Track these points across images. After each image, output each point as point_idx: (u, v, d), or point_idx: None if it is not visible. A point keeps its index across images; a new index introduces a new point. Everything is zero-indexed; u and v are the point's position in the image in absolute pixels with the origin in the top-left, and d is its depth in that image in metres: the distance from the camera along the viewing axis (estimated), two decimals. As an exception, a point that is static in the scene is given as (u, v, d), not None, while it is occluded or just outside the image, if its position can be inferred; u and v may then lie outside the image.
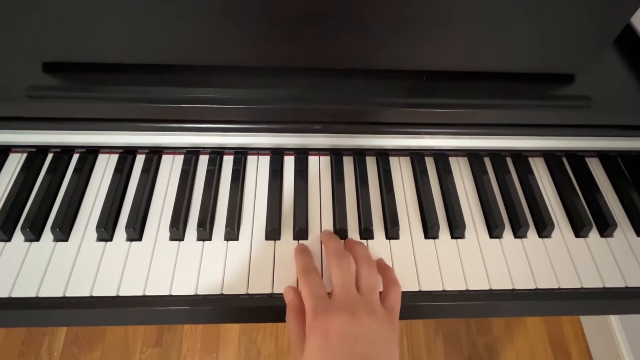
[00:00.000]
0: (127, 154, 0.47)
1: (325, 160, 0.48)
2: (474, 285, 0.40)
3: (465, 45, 0.41)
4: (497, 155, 0.49)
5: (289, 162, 0.47)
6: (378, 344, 0.30)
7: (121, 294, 0.38)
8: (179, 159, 0.47)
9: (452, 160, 0.48)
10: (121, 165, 0.46)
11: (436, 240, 0.43)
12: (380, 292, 0.36)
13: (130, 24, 0.38)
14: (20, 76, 0.42)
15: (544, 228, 0.43)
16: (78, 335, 1.00)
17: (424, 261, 0.41)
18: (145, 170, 0.45)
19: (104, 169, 0.46)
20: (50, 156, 0.46)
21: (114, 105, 0.42)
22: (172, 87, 0.42)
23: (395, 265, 0.41)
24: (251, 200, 0.44)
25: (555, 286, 0.40)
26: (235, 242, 0.41)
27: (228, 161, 0.47)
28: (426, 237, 0.43)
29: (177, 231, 0.41)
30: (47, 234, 0.41)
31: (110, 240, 0.41)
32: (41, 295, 0.37)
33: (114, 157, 0.46)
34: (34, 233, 0.40)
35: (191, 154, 0.47)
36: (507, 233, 0.44)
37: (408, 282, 0.39)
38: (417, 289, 0.39)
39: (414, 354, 1.00)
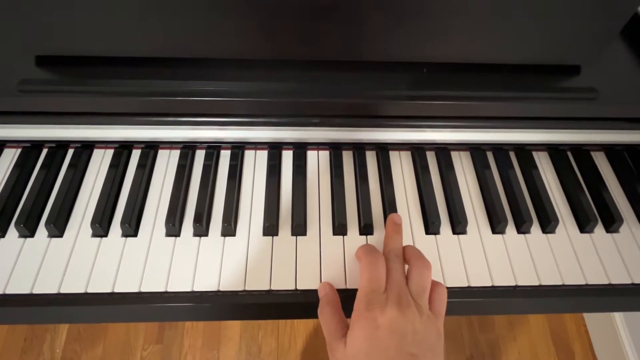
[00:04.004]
0: (122, 149, 0.46)
1: (324, 155, 0.47)
2: (476, 282, 0.39)
3: (467, 37, 0.40)
4: (500, 150, 0.48)
5: (287, 156, 0.46)
6: (424, 346, 0.30)
7: (117, 290, 0.37)
8: (175, 153, 0.46)
9: (454, 155, 0.47)
10: (117, 161, 0.45)
11: (437, 236, 0.42)
12: None
13: (125, 16, 0.37)
14: (13, 70, 0.41)
15: (548, 223, 0.42)
16: (80, 332, 1.00)
17: (424, 257, 0.40)
18: (141, 165, 0.45)
19: (100, 164, 0.45)
20: (44, 151, 0.46)
21: (108, 99, 0.41)
22: (168, 80, 0.42)
23: (396, 261, 0.40)
24: (249, 196, 0.43)
25: (560, 283, 0.39)
26: (233, 238, 0.41)
27: (225, 156, 0.46)
28: (427, 232, 0.42)
29: (173, 227, 0.40)
30: (42, 230, 0.40)
31: (106, 236, 0.40)
32: (35, 291, 0.37)
33: (110, 152, 0.46)
34: (28, 229, 0.40)
35: (188, 149, 0.46)
36: (510, 229, 0.43)
37: (408, 279, 0.38)
38: (417, 286, 0.38)
39: (415, 351, 1.00)
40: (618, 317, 0.94)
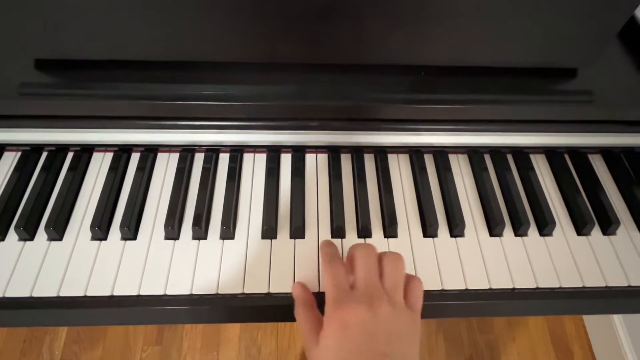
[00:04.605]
0: (122, 152, 0.46)
1: (323, 157, 0.47)
2: (473, 285, 0.39)
3: (465, 40, 0.40)
4: (497, 152, 0.48)
5: (285, 159, 0.47)
6: (397, 341, 0.30)
7: (116, 293, 0.37)
8: (175, 157, 0.46)
9: (452, 158, 0.48)
10: (116, 164, 0.45)
11: (435, 238, 0.42)
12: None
13: (124, 20, 0.38)
14: (13, 73, 0.41)
15: (545, 226, 0.42)
16: (79, 334, 1.00)
17: (422, 260, 0.40)
18: (140, 168, 0.45)
19: (99, 167, 0.45)
20: (44, 155, 0.46)
21: (108, 102, 0.41)
22: (168, 84, 0.42)
23: (394, 264, 0.40)
24: (247, 199, 0.44)
25: (557, 285, 0.40)
26: (231, 241, 0.41)
27: (224, 159, 0.46)
28: (425, 235, 0.42)
29: (172, 230, 0.40)
30: (41, 233, 0.40)
31: (105, 239, 0.41)
32: (35, 295, 0.37)
33: (109, 156, 0.46)
34: (28, 232, 0.40)
35: (187, 152, 0.46)
36: (508, 231, 0.43)
37: (406, 282, 0.39)
38: (415, 288, 0.39)
39: (414, 353, 1.00)
40: (617, 317, 0.94)
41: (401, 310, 0.31)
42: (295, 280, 0.38)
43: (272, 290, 0.38)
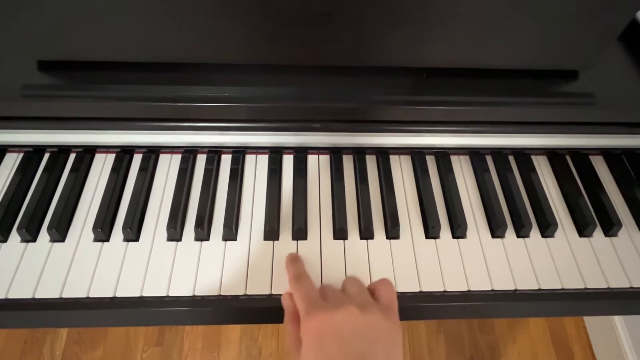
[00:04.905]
0: (124, 154, 0.46)
1: (325, 159, 0.47)
2: (475, 286, 0.39)
3: (466, 42, 0.40)
4: (499, 154, 0.48)
5: (287, 161, 0.47)
6: (375, 339, 0.30)
7: (118, 295, 0.37)
8: (177, 158, 0.46)
9: (454, 159, 0.48)
10: (118, 165, 0.45)
11: (437, 240, 0.42)
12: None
13: (127, 21, 0.38)
14: (15, 75, 0.41)
15: (547, 227, 0.42)
16: (80, 334, 1.00)
17: (424, 261, 0.40)
18: (142, 169, 0.45)
19: (101, 168, 0.45)
20: (46, 156, 0.46)
21: (110, 104, 0.41)
22: (170, 86, 0.42)
23: (396, 265, 0.40)
24: (249, 200, 0.44)
25: (559, 287, 0.40)
26: (234, 243, 0.41)
27: (226, 160, 0.46)
28: (427, 236, 0.42)
29: (174, 231, 0.40)
30: (44, 235, 0.41)
31: (107, 240, 0.41)
32: (38, 296, 0.37)
33: (111, 157, 0.46)
34: (30, 234, 0.40)
35: (189, 153, 0.46)
36: (510, 233, 0.43)
37: (408, 283, 0.39)
38: (417, 290, 0.39)
39: (415, 353, 1.00)
40: (617, 318, 0.94)
41: (373, 308, 0.31)
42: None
43: (274, 292, 0.38)
